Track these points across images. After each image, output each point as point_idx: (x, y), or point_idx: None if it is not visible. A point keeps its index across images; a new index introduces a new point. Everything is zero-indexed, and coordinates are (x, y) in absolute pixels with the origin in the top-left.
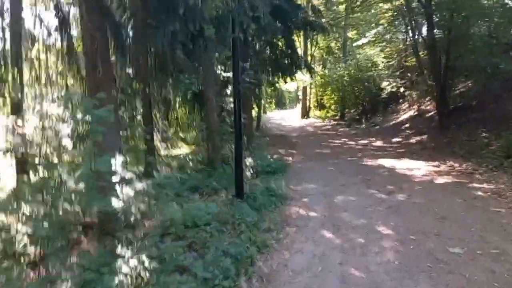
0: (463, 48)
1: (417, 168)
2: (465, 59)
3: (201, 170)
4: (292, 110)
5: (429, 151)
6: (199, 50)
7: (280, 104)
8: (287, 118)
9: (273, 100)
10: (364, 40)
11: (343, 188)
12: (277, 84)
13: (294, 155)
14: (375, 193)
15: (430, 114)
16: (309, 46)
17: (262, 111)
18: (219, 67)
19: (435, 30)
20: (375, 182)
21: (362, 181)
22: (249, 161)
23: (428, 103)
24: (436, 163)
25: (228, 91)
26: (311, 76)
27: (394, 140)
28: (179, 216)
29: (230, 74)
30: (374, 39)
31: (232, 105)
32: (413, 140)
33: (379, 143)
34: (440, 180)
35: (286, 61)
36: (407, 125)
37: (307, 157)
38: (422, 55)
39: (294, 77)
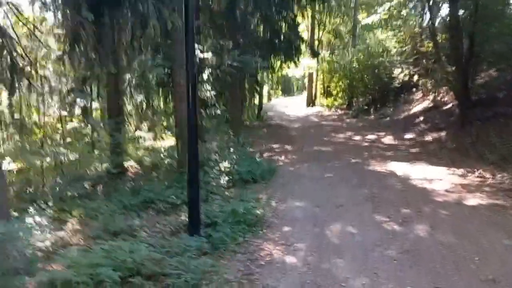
0: (490, 29)
1: (438, 179)
2: (492, 43)
3: (170, 172)
4: (299, 98)
5: (449, 152)
6: None
7: (287, 90)
8: (292, 106)
9: (279, 86)
10: (374, 17)
11: (340, 210)
12: (279, 69)
13: (289, 153)
14: (384, 221)
15: (448, 106)
16: (316, 30)
17: (263, 98)
18: (196, 46)
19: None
20: (384, 201)
21: (367, 198)
22: (223, 165)
23: (445, 93)
24: (461, 171)
25: (205, 76)
26: (318, 61)
27: (407, 136)
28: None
29: (208, 55)
30: (386, 15)
31: (210, 94)
32: (429, 137)
33: (389, 139)
34: (471, 200)
35: (284, 43)
36: (421, 118)
37: (303, 156)
38: (439, 39)
39: (296, 62)
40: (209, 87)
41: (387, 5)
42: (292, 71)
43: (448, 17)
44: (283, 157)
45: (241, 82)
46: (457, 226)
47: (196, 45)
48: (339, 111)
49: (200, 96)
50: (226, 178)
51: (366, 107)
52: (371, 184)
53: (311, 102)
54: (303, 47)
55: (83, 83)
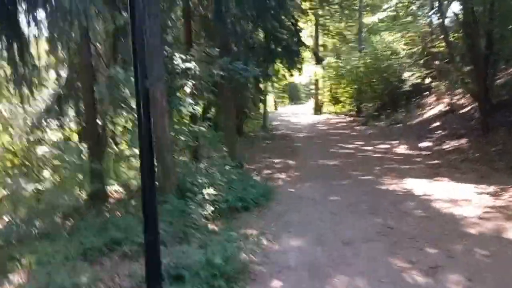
0: (510, 25)
1: (466, 200)
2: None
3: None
4: (307, 105)
5: (473, 164)
6: None
7: (295, 98)
8: (299, 114)
9: (286, 94)
10: (379, 16)
11: (347, 251)
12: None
13: (291, 169)
14: (404, 268)
15: (465, 109)
16: (320, 35)
17: (269, 107)
18: (176, 55)
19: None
20: (403, 236)
21: (381, 232)
22: (208, 192)
23: (461, 96)
24: (492, 188)
25: (188, 89)
26: (323, 67)
27: (422, 144)
28: None
29: (191, 65)
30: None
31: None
32: (448, 146)
33: (402, 148)
34: None
35: (284, 49)
36: (437, 124)
37: (306, 173)
38: (452, 38)
39: (300, 69)
40: (191, 101)
41: (393, 1)
42: (299, 78)
43: (462, 14)
44: (283, 175)
45: (237, 92)
46: (503, 275)
47: (177, 55)
48: (348, 118)
49: (184, 110)
50: (212, 208)
51: (376, 113)
52: (385, 209)
53: (318, 109)
54: (306, 53)
55: (58, 101)
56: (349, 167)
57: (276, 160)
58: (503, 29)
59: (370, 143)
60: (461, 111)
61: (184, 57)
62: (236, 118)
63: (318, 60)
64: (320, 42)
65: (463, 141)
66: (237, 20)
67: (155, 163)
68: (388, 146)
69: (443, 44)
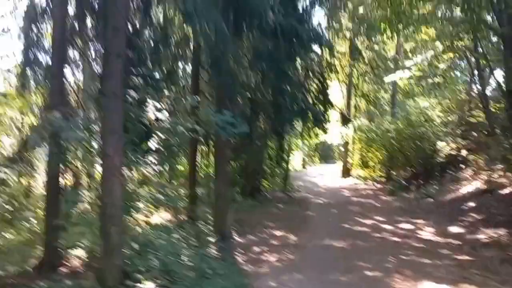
0: None
1: None
2: None
3: None
4: (336, 166)
5: None
6: None
7: (327, 158)
8: (327, 175)
9: (316, 153)
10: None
11: None
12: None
13: (287, 249)
14: None
15: (506, 191)
16: (352, 96)
17: (293, 166)
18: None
19: None
20: None
21: None
22: None
23: (502, 173)
24: None
25: (153, 146)
26: (354, 129)
27: (452, 229)
28: None
29: (162, 115)
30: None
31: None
32: (483, 236)
33: (428, 232)
34: None
35: (299, 106)
36: (471, 204)
37: (302, 258)
38: (494, 108)
39: (322, 128)
40: (153, 159)
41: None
42: (332, 137)
43: (504, 83)
44: (274, 257)
45: (246, 149)
46: None
47: (150, 101)
48: (376, 185)
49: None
50: None
51: (406, 184)
52: None
53: (346, 172)
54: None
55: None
56: (357, 254)
57: (278, 233)
58: None
59: (392, 220)
60: (501, 192)
61: (159, 105)
62: (252, 177)
63: (345, 121)
64: (353, 103)
65: (503, 231)
66: (239, 69)
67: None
68: (412, 226)
69: (483, 114)
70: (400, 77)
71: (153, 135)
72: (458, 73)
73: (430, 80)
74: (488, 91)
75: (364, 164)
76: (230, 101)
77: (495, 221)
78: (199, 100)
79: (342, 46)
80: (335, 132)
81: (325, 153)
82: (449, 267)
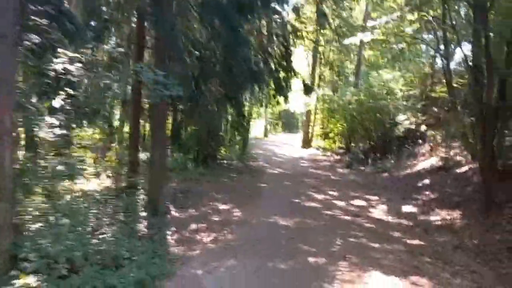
0: None
1: None
2: None
3: None
4: (298, 136)
5: (470, 259)
6: None
7: (290, 126)
8: (288, 145)
9: (279, 121)
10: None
11: None
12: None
13: (228, 226)
14: None
15: (462, 169)
16: (318, 66)
17: (253, 134)
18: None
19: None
20: None
21: None
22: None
23: (459, 151)
24: None
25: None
26: (317, 99)
27: (406, 209)
28: None
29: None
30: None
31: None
32: (437, 218)
33: (381, 210)
34: None
35: (245, 68)
36: (426, 182)
37: (242, 238)
38: (457, 84)
39: (284, 96)
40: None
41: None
42: (297, 106)
43: (472, 57)
44: (211, 237)
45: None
46: None
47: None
48: (335, 156)
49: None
50: None
51: (363, 156)
52: None
53: (307, 142)
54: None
55: None
56: (304, 234)
57: (223, 207)
58: None
59: (346, 196)
60: (457, 170)
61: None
62: (206, 144)
63: (307, 91)
64: (318, 72)
65: (457, 214)
66: (184, 21)
67: None
68: (365, 203)
69: (445, 89)
70: (361, 39)
71: (60, 91)
72: (423, 47)
73: (394, 47)
74: (452, 66)
75: (325, 135)
76: (170, 58)
77: (450, 201)
78: (126, 52)
79: (308, 11)
80: (298, 101)
81: (288, 122)
82: (400, 253)
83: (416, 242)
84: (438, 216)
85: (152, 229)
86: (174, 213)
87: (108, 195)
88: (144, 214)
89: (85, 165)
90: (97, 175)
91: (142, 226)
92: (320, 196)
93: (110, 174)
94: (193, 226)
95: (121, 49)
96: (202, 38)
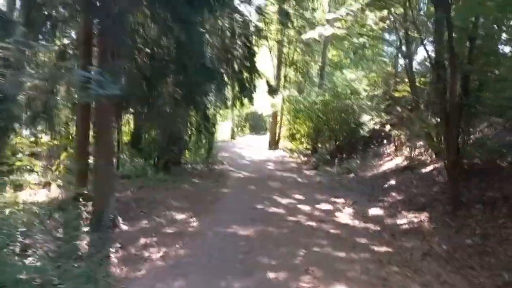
0: (493, 73)
1: None
2: (495, 90)
3: None
4: (265, 137)
5: (441, 267)
6: None
7: (258, 128)
8: (255, 147)
9: (247, 123)
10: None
11: None
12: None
13: (182, 238)
14: None
15: (427, 169)
16: (283, 67)
17: (219, 136)
18: None
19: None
20: None
21: None
22: None
23: (424, 151)
24: None
25: None
26: (283, 100)
27: (373, 211)
28: None
29: None
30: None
31: None
32: (404, 221)
33: (347, 214)
34: None
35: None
36: (392, 182)
37: (195, 252)
38: (420, 83)
39: (249, 97)
40: None
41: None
42: (262, 108)
43: (434, 55)
44: (160, 254)
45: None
46: None
47: None
48: (302, 158)
49: None
50: None
51: (329, 157)
52: None
53: (273, 144)
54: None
55: None
56: (264, 245)
57: (179, 216)
58: (483, 75)
59: (311, 199)
60: (422, 170)
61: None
62: (167, 149)
63: (272, 92)
64: (283, 72)
65: (424, 217)
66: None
67: None
68: (331, 207)
69: (408, 88)
70: (322, 34)
71: None
72: (386, 47)
73: (356, 41)
74: (415, 65)
75: (292, 136)
76: (116, 55)
77: (416, 202)
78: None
79: (271, 11)
80: (265, 103)
81: (256, 124)
82: (367, 263)
83: (383, 249)
84: (405, 219)
85: (94, 246)
86: (123, 226)
87: (54, 207)
88: (86, 229)
89: (31, 175)
90: (46, 185)
91: (83, 243)
92: (284, 201)
93: (60, 184)
94: (142, 240)
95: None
96: (155, 35)
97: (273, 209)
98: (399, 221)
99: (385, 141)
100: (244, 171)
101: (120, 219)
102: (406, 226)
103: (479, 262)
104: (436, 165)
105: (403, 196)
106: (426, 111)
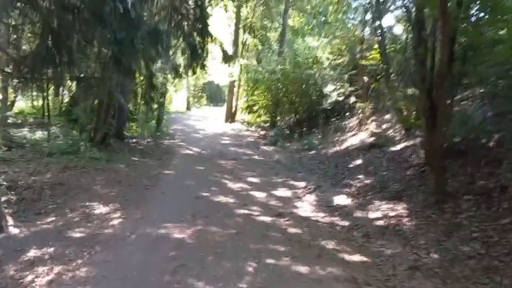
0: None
1: None
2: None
3: None
4: (223, 109)
5: (431, 282)
6: None
7: (216, 99)
8: (211, 119)
9: (203, 94)
10: None
11: None
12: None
13: (84, 250)
14: None
15: (398, 147)
16: (241, 33)
17: (170, 107)
18: None
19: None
20: None
21: None
22: None
23: (391, 125)
24: None
25: None
26: (241, 70)
27: (338, 200)
28: None
29: None
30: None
31: None
32: (377, 214)
33: (308, 203)
34: None
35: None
36: (358, 162)
37: (98, 279)
38: (390, 50)
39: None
40: None
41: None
42: (220, 77)
43: (415, 11)
44: (51, 276)
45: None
46: None
47: None
48: (260, 131)
49: None
50: None
51: (289, 132)
52: None
53: (230, 116)
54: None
55: None
56: (201, 259)
57: (100, 210)
58: (476, 38)
59: (268, 183)
60: (391, 148)
61: None
62: (106, 121)
63: (227, 59)
64: (241, 39)
65: (402, 209)
66: None
67: None
68: (290, 193)
69: (377, 55)
70: None
71: None
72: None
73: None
74: (385, 24)
75: (250, 109)
76: None
77: (389, 189)
78: None
79: None
80: (222, 72)
81: (213, 95)
82: (337, 283)
83: (357, 258)
84: (378, 212)
85: None
86: (12, 229)
87: None
88: None
89: None
90: None
91: None
92: (236, 185)
93: None
94: (32, 252)
95: None
96: None
97: (221, 198)
98: (371, 214)
99: (347, 114)
100: (195, 147)
101: (9, 219)
102: (381, 222)
103: (489, 283)
104: (407, 144)
105: (372, 179)
106: (397, 80)
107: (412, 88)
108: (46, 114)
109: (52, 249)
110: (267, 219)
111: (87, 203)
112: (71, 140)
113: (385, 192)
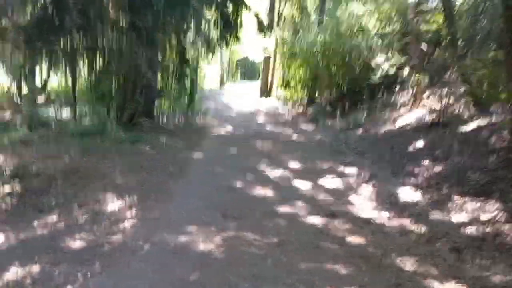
0: None
1: None
2: None
3: None
4: (257, 84)
5: None
6: None
7: (251, 75)
8: (245, 96)
9: (238, 70)
10: None
11: None
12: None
13: (84, 266)
14: None
15: (470, 127)
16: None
17: (204, 84)
18: None
19: None
20: None
21: None
22: None
23: (455, 101)
24: None
25: None
26: (276, 43)
27: (403, 195)
28: None
29: None
30: None
31: None
32: (462, 217)
33: (366, 198)
34: None
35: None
36: (420, 145)
37: None
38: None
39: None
40: None
41: None
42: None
43: None
44: None
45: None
46: None
47: None
48: (298, 108)
49: None
50: None
51: (330, 108)
52: None
53: (265, 92)
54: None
55: None
56: (232, 286)
57: (112, 205)
58: None
59: (313, 169)
60: (461, 128)
61: None
62: (133, 98)
63: (262, 28)
64: (277, 9)
65: (495, 209)
66: None
67: None
68: (341, 184)
69: (437, 20)
70: None
71: None
72: None
73: None
74: None
75: (286, 84)
76: None
77: (471, 181)
78: None
79: None
80: (257, 47)
81: (248, 71)
82: None
83: (451, 287)
84: (463, 213)
85: None
86: None
87: None
88: None
89: None
90: None
91: None
92: (275, 173)
93: None
94: (12, 273)
95: None
96: None
97: (258, 190)
98: (454, 217)
99: (397, 88)
100: (228, 126)
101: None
102: (472, 229)
103: None
104: (482, 122)
105: (442, 167)
106: (465, 49)
107: (493, 53)
108: (72, 90)
109: (37, 266)
110: (317, 220)
111: (100, 196)
112: (98, 119)
113: (465, 184)
